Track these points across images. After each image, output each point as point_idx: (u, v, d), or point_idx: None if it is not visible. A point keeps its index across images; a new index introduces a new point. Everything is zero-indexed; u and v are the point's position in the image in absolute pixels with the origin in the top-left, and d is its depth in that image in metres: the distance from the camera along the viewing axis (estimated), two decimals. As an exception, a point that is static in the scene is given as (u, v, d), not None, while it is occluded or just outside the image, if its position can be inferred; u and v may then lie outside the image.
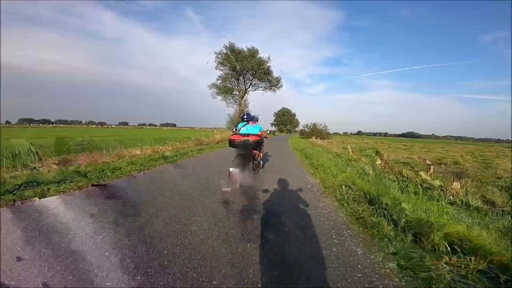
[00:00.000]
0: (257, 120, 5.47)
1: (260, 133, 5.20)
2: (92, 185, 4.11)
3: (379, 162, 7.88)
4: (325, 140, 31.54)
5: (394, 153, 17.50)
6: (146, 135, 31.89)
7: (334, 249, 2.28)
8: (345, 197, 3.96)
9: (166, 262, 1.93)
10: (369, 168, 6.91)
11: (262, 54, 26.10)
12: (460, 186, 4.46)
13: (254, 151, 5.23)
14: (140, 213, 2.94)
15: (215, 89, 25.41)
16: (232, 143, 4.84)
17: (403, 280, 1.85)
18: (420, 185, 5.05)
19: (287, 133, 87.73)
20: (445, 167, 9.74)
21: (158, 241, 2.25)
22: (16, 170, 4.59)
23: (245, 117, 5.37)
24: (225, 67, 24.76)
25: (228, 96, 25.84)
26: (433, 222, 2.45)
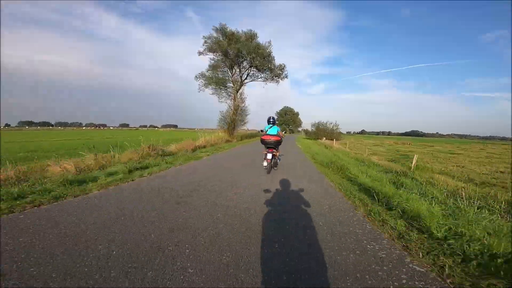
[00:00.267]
0: (274, 123, 6.69)
1: (278, 133, 6.54)
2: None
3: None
4: (338, 141, 27.49)
5: (437, 162, 13.36)
6: (130, 137, 28.45)
7: None
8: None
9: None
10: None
11: (262, 39, 22.07)
12: None
13: (273, 150, 6.43)
14: None
15: (202, 80, 21.38)
16: (263, 141, 6.50)
17: None
18: None
19: (290, 133, 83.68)
20: None
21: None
22: None
23: (271, 120, 6.64)
24: (216, 53, 20.63)
25: (220, 88, 21.81)
26: None
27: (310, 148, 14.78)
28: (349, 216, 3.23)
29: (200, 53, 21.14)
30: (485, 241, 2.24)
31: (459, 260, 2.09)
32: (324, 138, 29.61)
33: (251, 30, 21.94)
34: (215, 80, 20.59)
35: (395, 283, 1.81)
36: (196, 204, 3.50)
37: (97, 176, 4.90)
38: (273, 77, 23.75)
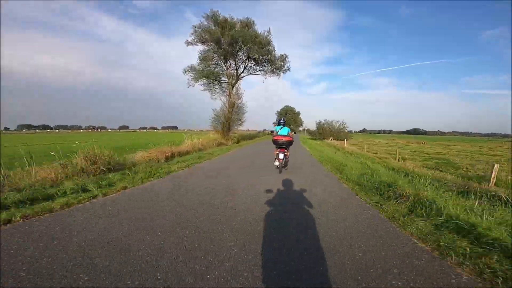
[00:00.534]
0: (284, 124, 7.01)
1: (289, 134, 6.76)
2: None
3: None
4: (346, 141, 24.60)
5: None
6: (114, 140, 25.67)
7: None
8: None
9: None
10: None
11: (260, 28, 19.17)
12: None
13: (284, 150, 6.57)
14: None
15: (192, 74, 18.18)
16: (275, 142, 6.65)
17: None
18: None
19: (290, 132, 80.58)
20: None
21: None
22: None
23: (281, 121, 7.00)
24: (207, 44, 17.69)
25: (213, 83, 18.89)
26: None
27: (322, 153, 11.91)
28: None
29: (188, 43, 18.25)
30: None
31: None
32: (331, 138, 26.74)
33: (247, 18, 19.07)
34: (206, 73, 17.66)
35: None
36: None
37: None
38: (273, 70, 20.89)
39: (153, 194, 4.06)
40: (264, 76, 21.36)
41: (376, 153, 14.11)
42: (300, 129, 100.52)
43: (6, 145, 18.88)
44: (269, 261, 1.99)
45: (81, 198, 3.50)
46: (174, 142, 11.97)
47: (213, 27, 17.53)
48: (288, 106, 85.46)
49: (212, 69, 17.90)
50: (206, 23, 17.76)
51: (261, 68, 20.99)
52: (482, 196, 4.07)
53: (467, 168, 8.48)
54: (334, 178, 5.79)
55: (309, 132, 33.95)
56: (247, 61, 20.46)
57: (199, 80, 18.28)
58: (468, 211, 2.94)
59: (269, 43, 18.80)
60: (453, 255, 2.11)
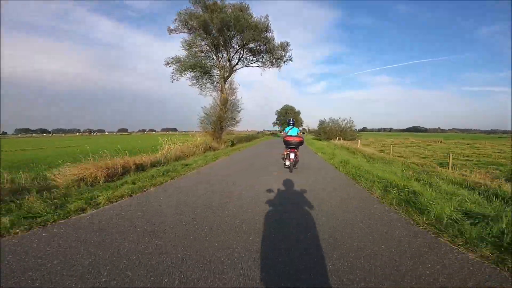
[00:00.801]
0: (294, 124, 7.18)
1: (298, 134, 7.00)
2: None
3: None
4: (357, 141, 21.84)
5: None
6: (98, 145, 22.69)
7: None
8: None
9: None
10: None
11: (255, 12, 16.46)
12: None
13: (295, 150, 6.74)
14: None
15: (175, 65, 15.07)
16: (287, 142, 6.75)
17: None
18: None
19: (291, 133, 77.79)
20: None
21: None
22: None
23: (291, 122, 7.24)
24: (193, 31, 14.83)
25: (202, 76, 16.11)
26: None
27: (335, 157, 9.12)
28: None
29: (171, 31, 15.44)
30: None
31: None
32: (338, 138, 23.98)
33: (241, 2, 16.25)
34: (191, 64, 14.83)
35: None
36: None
37: None
38: (272, 61, 18.12)
39: None
40: (262, 68, 18.61)
41: (402, 156, 11.39)
42: (300, 128, 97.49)
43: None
44: None
45: None
46: (151, 148, 9.28)
47: (201, 12, 14.74)
48: (288, 105, 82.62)
49: (200, 59, 14.99)
50: (192, 7, 14.98)
51: (258, 59, 18.23)
52: None
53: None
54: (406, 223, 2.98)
55: (313, 131, 30.80)
56: (241, 51, 17.69)
57: (184, 73, 15.47)
58: None
59: (266, 28, 16.03)
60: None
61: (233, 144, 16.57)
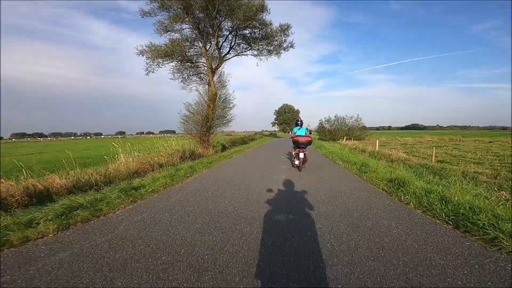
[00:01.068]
0: (302, 125, 7.35)
1: (306, 134, 7.17)
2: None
3: None
4: (372, 142, 19.11)
5: None
6: (71, 150, 19.46)
7: None
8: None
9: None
10: None
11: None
12: None
13: (303, 149, 6.88)
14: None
15: (149, 54, 12.06)
16: (296, 142, 6.90)
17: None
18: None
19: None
20: None
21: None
22: None
23: (299, 122, 7.39)
24: (171, 11, 11.88)
25: (183, 66, 13.32)
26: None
27: (367, 168, 6.29)
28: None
29: (144, 14, 12.54)
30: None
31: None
32: (345, 138, 21.24)
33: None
34: (166, 50, 11.94)
35: None
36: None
37: None
38: (270, 48, 15.32)
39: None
40: (258, 58, 15.81)
41: (444, 161, 8.63)
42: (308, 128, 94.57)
43: None
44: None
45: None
46: (112, 156, 6.51)
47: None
48: (286, 104, 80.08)
49: (179, 46, 12.00)
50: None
51: (253, 47, 15.42)
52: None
53: None
54: None
55: (313, 131, 27.86)
56: (233, 38, 14.91)
57: (162, 63, 12.64)
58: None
59: (262, 8, 13.24)
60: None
61: (224, 149, 13.71)
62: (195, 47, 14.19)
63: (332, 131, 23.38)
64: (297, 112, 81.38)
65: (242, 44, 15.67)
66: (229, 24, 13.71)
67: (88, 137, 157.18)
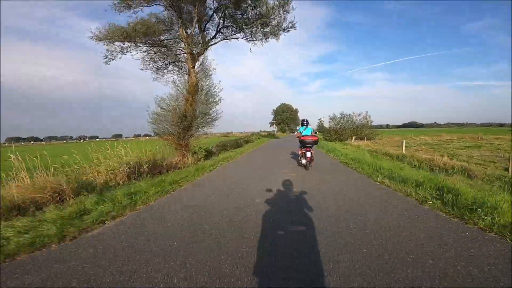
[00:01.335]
0: (307, 125, 7.40)
1: (312, 133, 7.29)
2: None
3: None
4: (370, 140, 16.41)
5: None
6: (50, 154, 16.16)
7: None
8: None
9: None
10: None
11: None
12: None
13: (310, 148, 6.88)
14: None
15: (107, 40, 9.01)
16: (303, 142, 6.90)
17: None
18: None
19: (290, 133, 72.51)
20: None
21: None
22: None
23: (305, 122, 7.44)
24: None
25: (155, 52, 10.45)
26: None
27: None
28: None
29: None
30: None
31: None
32: (353, 138, 18.48)
33: None
34: (127, 30, 8.98)
35: None
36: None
37: None
38: (266, 30, 12.45)
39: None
40: (251, 42, 12.93)
41: (480, 163, 5.90)
42: (298, 127, 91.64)
43: None
44: None
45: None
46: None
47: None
48: (284, 103, 77.23)
49: (147, 24, 8.98)
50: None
51: (246, 29, 12.54)
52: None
53: None
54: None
55: (325, 131, 24.43)
56: (221, 20, 12.04)
57: (124, 49, 9.75)
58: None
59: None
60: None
61: (209, 155, 10.80)
62: (172, 30, 11.30)
63: (338, 131, 20.57)
64: (296, 111, 78.72)
65: (231, 27, 12.81)
66: (215, 4, 10.89)
67: (82, 141, 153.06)
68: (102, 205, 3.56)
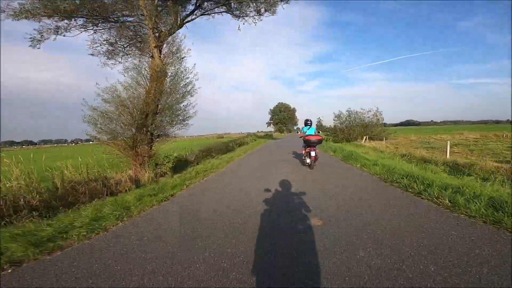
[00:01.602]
0: (311, 124, 7.43)
1: (315, 133, 7.33)
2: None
3: None
4: (383, 141, 13.73)
5: None
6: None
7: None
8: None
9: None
10: None
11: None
12: None
13: (314, 148, 6.89)
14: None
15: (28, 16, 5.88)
16: (308, 141, 6.91)
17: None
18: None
19: (288, 133, 69.80)
20: None
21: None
22: None
23: (309, 122, 7.41)
24: None
25: (113, 31, 7.68)
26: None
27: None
28: None
29: None
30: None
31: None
32: (365, 138, 15.76)
33: None
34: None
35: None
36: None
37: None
38: (258, 3, 9.61)
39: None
40: (240, 20, 10.07)
41: None
42: (296, 127, 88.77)
43: None
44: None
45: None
46: None
47: None
48: (282, 103, 74.42)
49: None
50: None
51: (234, 3, 9.66)
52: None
53: None
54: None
55: (331, 131, 20.97)
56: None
57: (58, 28, 6.95)
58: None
59: None
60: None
61: (183, 166, 7.86)
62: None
63: (345, 130, 17.79)
64: (293, 110, 76.17)
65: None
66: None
67: (73, 144, 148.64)
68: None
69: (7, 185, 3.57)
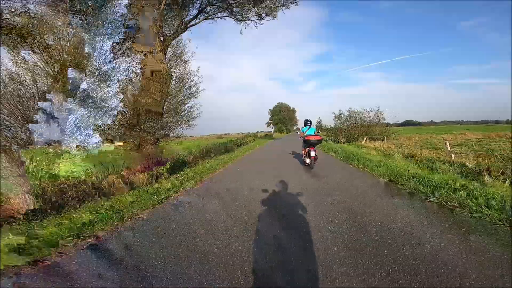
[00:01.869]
0: (311, 124, 7.56)
1: (315, 133, 7.45)
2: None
3: None
4: (398, 142, 13.95)
5: None
6: None
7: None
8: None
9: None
10: None
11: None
12: None
13: (314, 148, 6.94)
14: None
15: None
16: (307, 141, 6.95)
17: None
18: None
19: (287, 133, 70.00)
20: None
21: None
22: None
23: (308, 122, 7.53)
24: None
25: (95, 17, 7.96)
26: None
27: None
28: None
29: None
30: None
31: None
32: (366, 138, 15.98)
33: None
34: None
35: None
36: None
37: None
38: (260, 7, 9.85)
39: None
40: (242, 24, 10.32)
41: None
42: (295, 127, 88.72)
43: None
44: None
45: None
46: None
47: None
48: (281, 103, 74.73)
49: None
50: None
51: (235, 6, 9.90)
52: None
53: None
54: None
55: (332, 131, 20.84)
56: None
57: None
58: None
59: None
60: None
61: (180, 167, 8.05)
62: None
63: (346, 130, 17.97)
64: (293, 111, 76.42)
65: (218, 3, 10.14)
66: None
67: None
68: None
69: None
